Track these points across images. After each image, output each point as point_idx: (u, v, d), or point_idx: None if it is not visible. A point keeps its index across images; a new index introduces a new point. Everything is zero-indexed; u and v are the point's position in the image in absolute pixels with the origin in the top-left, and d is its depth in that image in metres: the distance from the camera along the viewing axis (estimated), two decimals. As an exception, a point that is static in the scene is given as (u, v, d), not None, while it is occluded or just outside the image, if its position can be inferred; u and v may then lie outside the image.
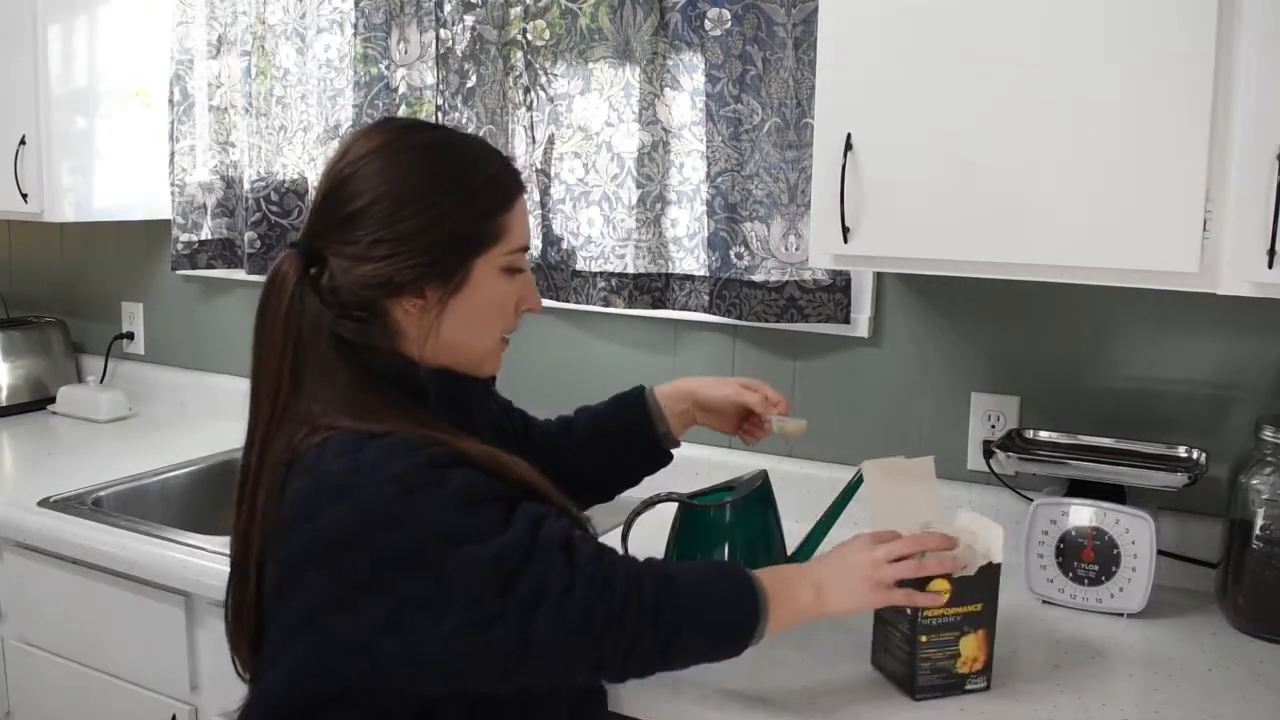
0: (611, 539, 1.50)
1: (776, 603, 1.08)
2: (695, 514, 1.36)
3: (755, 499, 1.36)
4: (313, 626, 1.01)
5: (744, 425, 1.42)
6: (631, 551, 1.34)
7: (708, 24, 1.73)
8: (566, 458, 1.38)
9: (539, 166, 1.93)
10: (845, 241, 1.39)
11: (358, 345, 1.09)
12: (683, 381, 1.43)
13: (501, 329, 1.16)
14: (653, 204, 1.84)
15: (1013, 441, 1.57)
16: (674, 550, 1.37)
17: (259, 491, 1.06)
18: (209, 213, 2.33)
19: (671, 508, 1.37)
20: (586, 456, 1.40)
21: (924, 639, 1.19)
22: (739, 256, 1.77)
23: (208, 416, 2.45)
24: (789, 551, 1.38)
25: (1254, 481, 1.40)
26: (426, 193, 1.09)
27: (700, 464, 1.84)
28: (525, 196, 1.17)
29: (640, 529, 1.35)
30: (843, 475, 1.76)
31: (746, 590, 1.08)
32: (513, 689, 1.04)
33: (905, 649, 1.21)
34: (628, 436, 1.40)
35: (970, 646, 1.20)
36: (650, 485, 1.87)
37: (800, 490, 1.77)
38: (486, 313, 1.13)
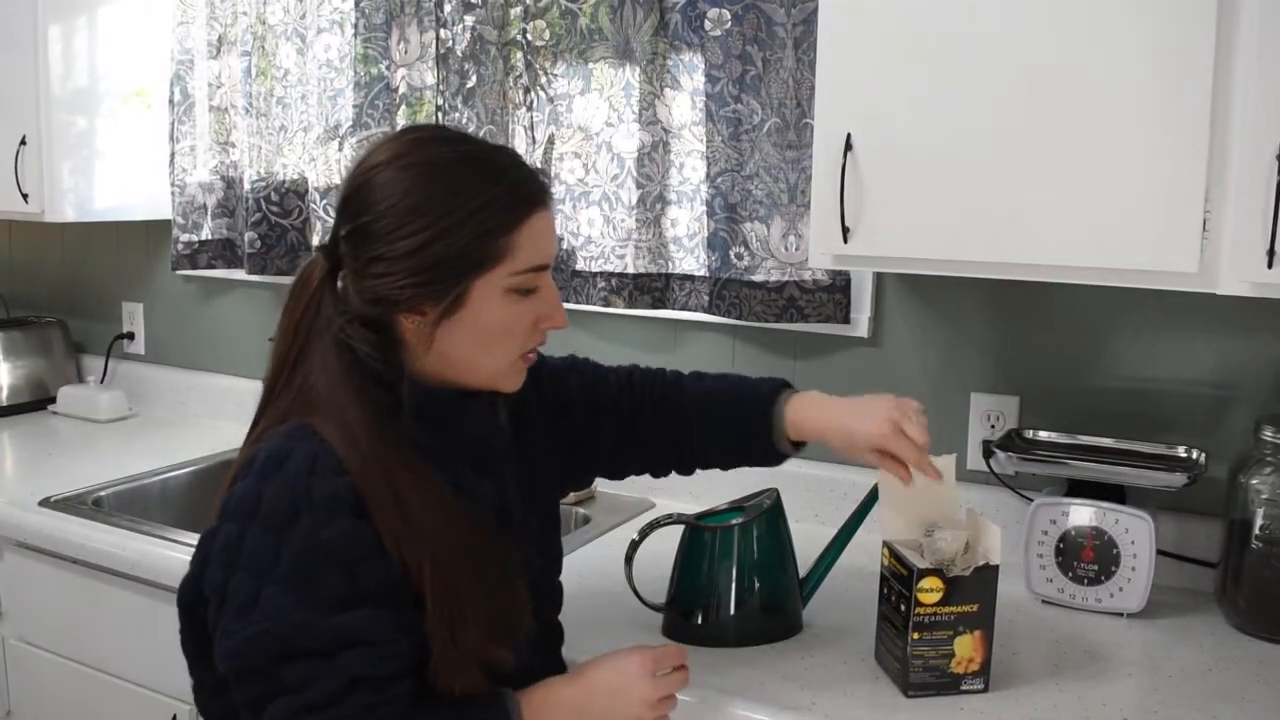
0: (617, 546, 1.49)
1: None
2: (700, 536, 1.35)
3: (762, 521, 1.34)
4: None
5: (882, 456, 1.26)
6: (635, 572, 1.35)
7: (708, 24, 1.73)
8: (677, 414, 1.31)
9: (539, 167, 1.93)
10: (845, 241, 1.39)
11: (359, 351, 1.09)
12: (827, 415, 1.27)
13: (515, 348, 1.11)
14: (653, 204, 1.84)
15: (1012, 441, 1.57)
16: (680, 571, 1.36)
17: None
18: (209, 213, 2.33)
19: (678, 530, 1.37)
20: (696, 421, 1.32)
21: (915, 636, 1.19)
22: (739, 256, 1.77)
23: (208, 416, 2.45)
24: (801, 574, 1.38)
25: (1253, 481, 1.40)
26: (422, 212, 1.05)
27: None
28: (546, 211, 1.10)
29: (645, 550, 1.36)
30: (843, 475, 1.77)
31: None
32: None
33: (899, 645, 1.21)
34: (739, 432, 1.31)
35: (965, 647, 1.20)
36: (655, 500, 1.87)
37: (800, 490, 1.77)
38: (490, 334, 1.09)
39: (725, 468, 1.36)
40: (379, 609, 1.01)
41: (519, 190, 1.08)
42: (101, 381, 2.60)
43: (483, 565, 1.07)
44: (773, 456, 1.31)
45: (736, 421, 1.31)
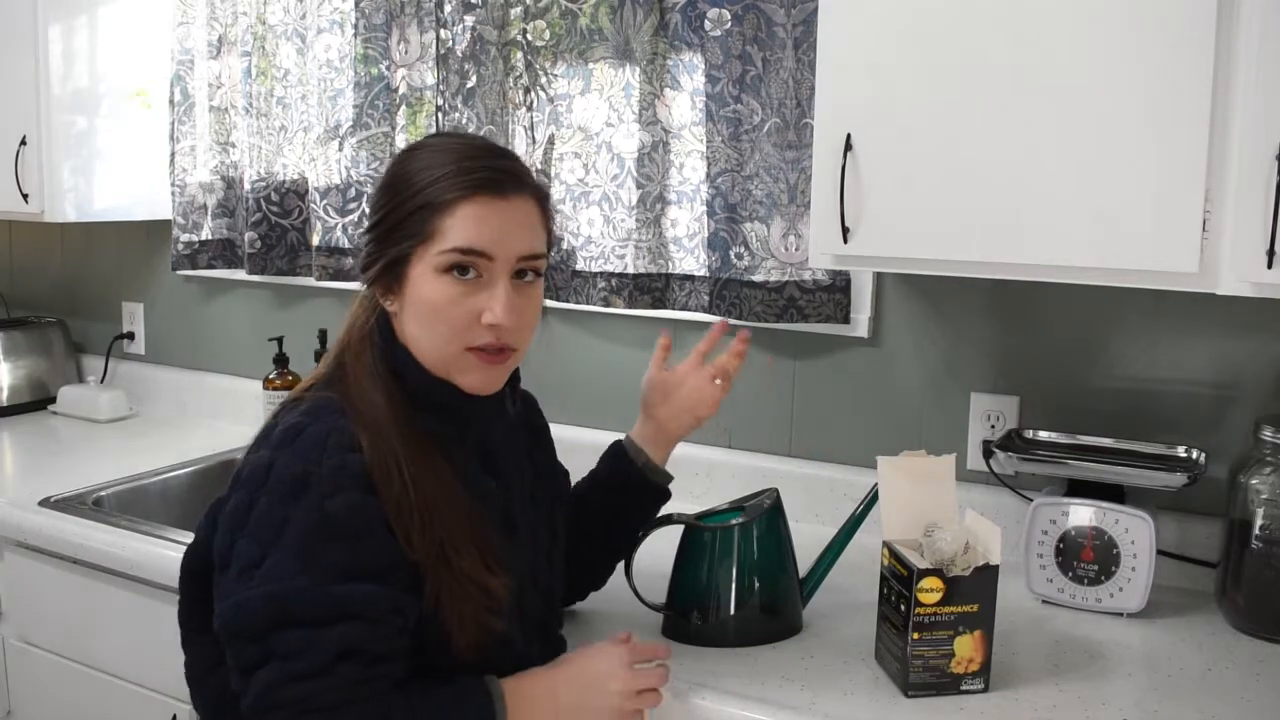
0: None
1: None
2: (700, 536, 1.35)
3: (762, 522, 1.34)
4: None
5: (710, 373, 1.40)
6: (635, 572, 1.35)
7: (708, 24, 1.73)
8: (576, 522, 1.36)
9: (539, 167, 1.93)
10: (845, 241, 1.39)
11: (375, 341, 1.15)
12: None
13: (456, 335, 1.11)
14: (653, 204, 1.84)
15: (1012, 441, 1.57)
16: (680, 572, 1.36)
17: None
18: (209, 213, 2.33)
19: (678, 530, 1.37)
20: (584, 514, 1.37)
21: (915, 636, 1.19)
22: (739, 257, 1.77)
23: (208, 416, 2.45)
24: (801, 574, 1.38)
25: (1253, 481, 1.40)
26: (382, 191, 1.15)
27: (700, 464, 1.84)
28: (499, 201, 1.10)
29: (645, 550, 1.36)
30: (843, 475, 1.77)
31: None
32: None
33: (899, 645, 1.21)
34: (611, 481, 1.38)
35: (966, 647, 1.20)
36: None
37: (800, 490, 1.77)
38: (426, 311, 1.10)
39: (622, 519, 1.38)
40: (379, 585, 1.03)
41: (468, 175, 1.10)
42: (102, 381, 2.60)
43: (482, 549, 1.09)
44: (638, 473, 1.37)
45: (598, 465, 1.40)
